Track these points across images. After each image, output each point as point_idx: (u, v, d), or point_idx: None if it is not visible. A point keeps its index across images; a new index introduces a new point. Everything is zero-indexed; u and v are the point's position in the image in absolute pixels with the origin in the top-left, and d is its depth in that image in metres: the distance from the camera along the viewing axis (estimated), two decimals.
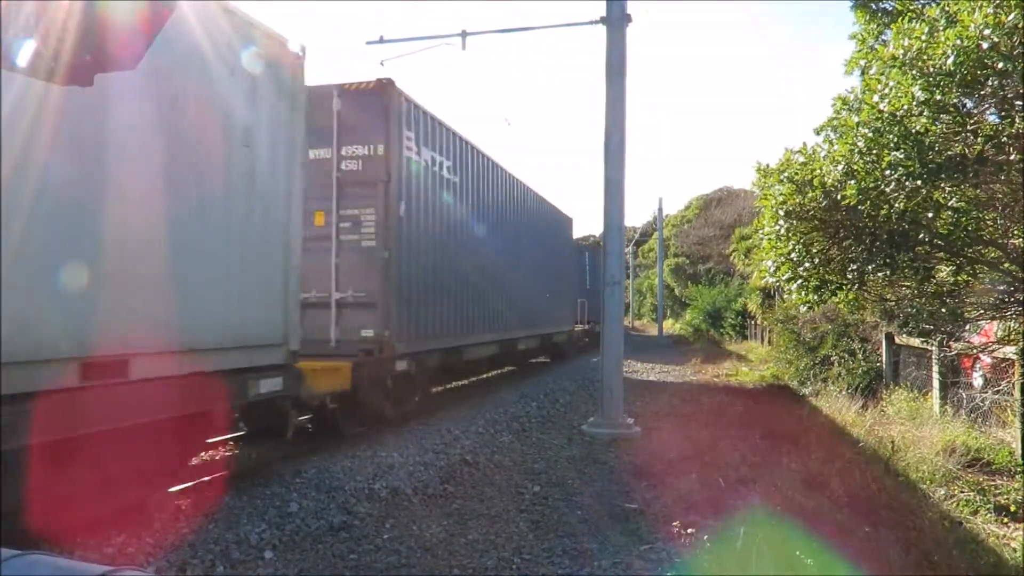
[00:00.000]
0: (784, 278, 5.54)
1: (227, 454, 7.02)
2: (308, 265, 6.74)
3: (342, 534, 4.79)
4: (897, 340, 10.68)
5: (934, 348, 8.63)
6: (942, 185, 4.40)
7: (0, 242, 3.43)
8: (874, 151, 4.43)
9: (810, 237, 5.30)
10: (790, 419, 8.90)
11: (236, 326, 5.13)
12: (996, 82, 3.98)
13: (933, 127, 4.19)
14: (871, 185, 4.54)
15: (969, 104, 4.33)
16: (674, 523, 4.91)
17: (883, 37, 6.79)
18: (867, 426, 8.25)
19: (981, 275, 5.42)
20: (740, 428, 8.42)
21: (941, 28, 4.04)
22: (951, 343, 8.05)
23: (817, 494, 5.38)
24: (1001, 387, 7.72)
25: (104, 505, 4.56)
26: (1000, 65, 3.77)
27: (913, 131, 4.19)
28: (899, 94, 4.21)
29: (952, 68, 3.85)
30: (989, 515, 5.27)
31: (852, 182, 4.66)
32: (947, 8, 4.17)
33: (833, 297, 5.65)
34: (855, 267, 5.15)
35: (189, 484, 5.59)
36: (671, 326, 40.51)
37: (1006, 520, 5.14)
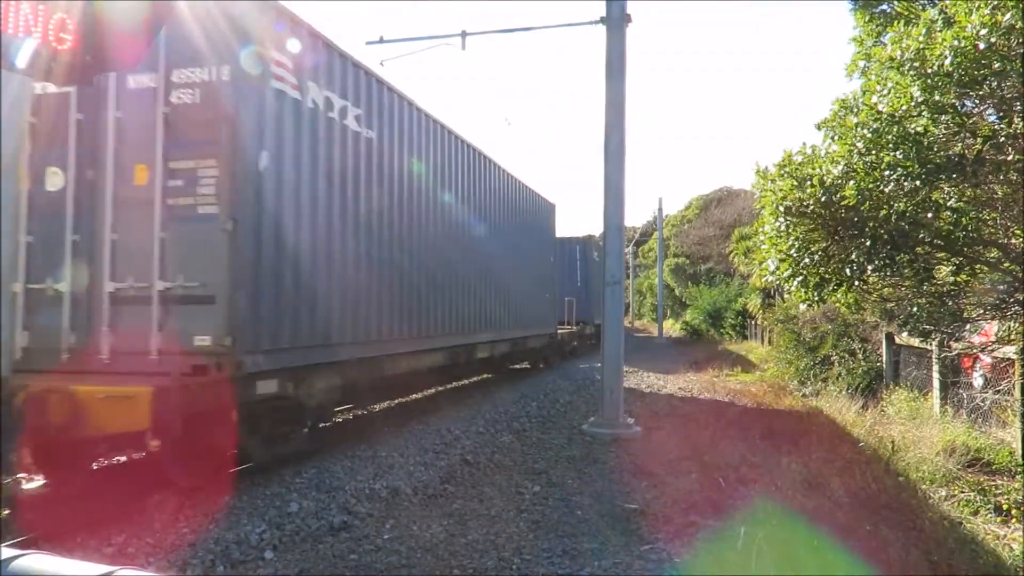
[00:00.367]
0: (784, 275, 5.54)
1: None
2: (125, 241, 5.47)
3: (342, 534, 4.79)
4: (897, 340, 10.68)
5: (934, 348, 8.63)
6: (941, 185, 4.41)
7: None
8: (873, 151, 4.43)
9: (810, 234, 5.30)
10: (791, 419, 8.90)
11: None
12: (994, 82, 3.99)
13: (932, 127, 4.19)
14: (870, 185, 4.54)
15: (968, 104, 4.33)
16: (674, 523, 4.91)
17: (882, 39, 6.78)
18: (867, 426, 8.25)
19: (981, 275, 5.42)
20: (740, 428, 8.42)
21: (939, 29, 4.04)
22: (951, 343, 8.04)
23: (817, 494, 5.38)
24: (1001, 387, 7.72)
25: None
26: (997, 65, 3.78)
27: (912, 131, 4.20)
28: (898, 95, 4.21)
29: (950, 69, 3.86)
30: (989, 515, 5.27)
31: (851, 182, 4.67)
32: (945, 9, 4.18)
33: (833, 295, 5.65)
34: (855, 265, 5.15)
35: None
36: (671, 326, 40.50)
37: (1006, 520, 5.14)
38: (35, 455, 5.38)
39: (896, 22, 4.55)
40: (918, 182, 4.23)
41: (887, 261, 4.97)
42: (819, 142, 5.45)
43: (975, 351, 7.69)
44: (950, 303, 5.68)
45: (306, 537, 4.74)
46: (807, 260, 5.36)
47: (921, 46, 4.03)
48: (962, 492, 5.81)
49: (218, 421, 5.36)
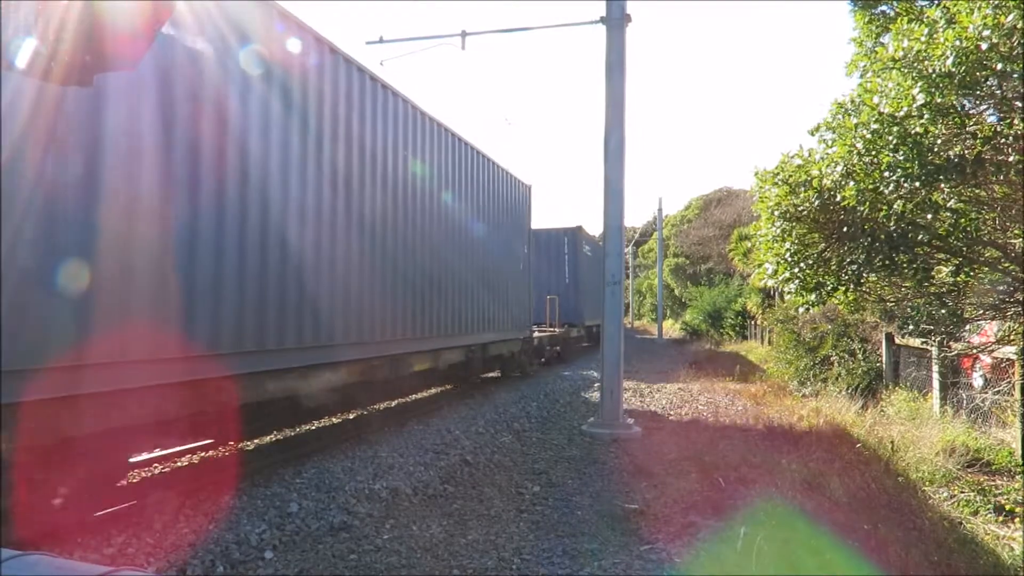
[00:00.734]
0: (782, 278, 5.55)
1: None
2: None
3: (342, 534, 4.79)
4: (897, 340, 10.68)
5: (934, 348, 8.63)
6: (941, 186, 4.40)
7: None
8: (873, 152, 4.43)
9: (807, 237, 5.31)
10: (791, 419, 8.89)
11: None
12: (995, 83, 3.99)
13: (932, 128, 4.19)
14: (870, 186, 4.54)
15: (968, 105, 4.33)
16: (674, 523, 4.91)
17: (882, 40, 6.78)
18: (867, 426, 8.25)
19: (980, 275, 5.42)
20: (740, 428, 8.42)
21: (940, 29, 4.04)
22: (951, 343, 8.05)
23: (817, 494, 5.38)
24: (1001, 387, 7.72)
25: None
26: (999, 66, 3.77)
27: (912, 132, 4.20)
28: (898, 95, 4.21)
29: (951, 69, 3.85)
30: (989, 515, 5.27)
31: (851, 183, 4.67)
32: (947, 9, 4.17)
33: (831, 298, 5.65)
34: (853, 268, 5.15)
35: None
36: (671, 326, 40.51)
37: (1006, 520, 5.14)
38: None
39: (899, 20, 4.55)
40: (918, 183, 4.23)
41: (886, 262, 4.97)
42: (814, 146, 5.45)
43: (975, 351, 7.69)
44: (949, 303, 5.69)
45: (306, 537, 4.74)
46: (803, 265, 5.37)
47: (923, 46, 4.03)
48: (962, 492, 5.81)
49: None
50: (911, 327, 6.70)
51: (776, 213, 5.31)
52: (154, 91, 4.78)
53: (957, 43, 3.81)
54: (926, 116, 4.11)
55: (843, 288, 5.47)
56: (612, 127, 9.10)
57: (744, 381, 13.40)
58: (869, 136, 4.44)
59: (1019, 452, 6.64)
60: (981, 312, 5.86)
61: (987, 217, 5.02)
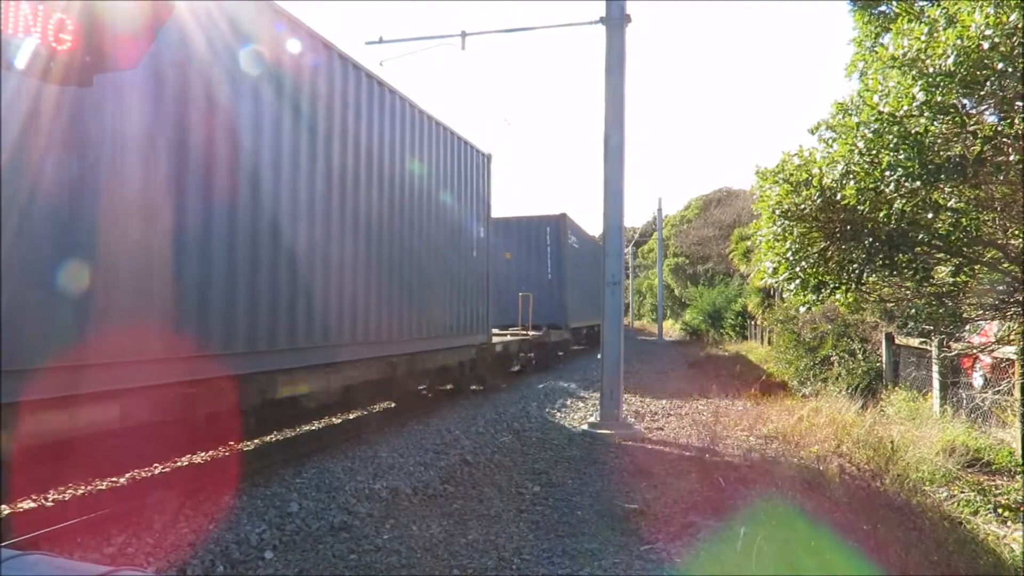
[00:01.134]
0: (782, 278, 5.55)
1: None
2: None
3: (342, 534, 4.79)
4: (897, 340, 10.68)
5: (934, 348, 8.63)
6: (941, 186, 4.40)
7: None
8: (873, 152, 4.43)
9: (807, 236, 5.31)
10: (791, 419, 8.89)
11: None
12: (996, 82, 3.99)
13: (933, 128, 4.19)
14: (870, 186, 4.54)
15: (968, 104, 4.33)
16: (674, 523, 4.91)
17: (882, 40, 6.79)
18: (867, 426, 8.24)
19: (980, 275, 5.42)
20: (741, 429, 8.42)
21: (941, 28, 4.04)
22: (950, 343, 8.05)
23: (817, 494, 5.38)
24: (1001, 387, 7.72)
25: None
26: (1000, 65, 3.77)
27: (913, 132, 4.20)
28: (899, 95, 4.21)
29: (952, 68, 3.85)
30: (989, 515, 5.27)
31: (851, 183, 4.67)
32: (947, 8, 4.17)
33: (831, 297, 5.65)
34: (854, 267, 5.15)
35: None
36: (671, 326, 40.50)
37: (1006, 520, 5.14)
38: None
39: (899, 19, 4.54)
40: (918, 183, 4.23)
41: (886, 262, 4.97)
42: (815, 145, 5.45)
43: (975, 351, 7.69)
44: (949, 303, 5.68)
45: (306, 537, 4.74)
46: (804, 264, 5.37)
47: (923, 46, 4.03)
48: (962, 492, 5.81)
49: None
50: (911, 327, 6.70)
51: (777, 212, 5.31)
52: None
53: (958, 42, 3.81)
54: (926, 115, 4.11)
55: (843, 288, 5.47)
56: (612, 127, 9.10)
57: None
58: (870, 135, 4.44)
59: (1019, 452, 6.64)
60: (981, 312, 5.86)
61: (987, 217, 5.01)
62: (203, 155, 5.26)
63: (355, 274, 7.36)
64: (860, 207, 4.73)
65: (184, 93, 5.10)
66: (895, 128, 4.24)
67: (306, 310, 6.41)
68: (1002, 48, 3.72)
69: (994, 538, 4.77)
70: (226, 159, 5.51)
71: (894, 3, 7.31)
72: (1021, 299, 5.30)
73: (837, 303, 5.97)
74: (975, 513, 5.32)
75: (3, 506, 4.86)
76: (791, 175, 5.23)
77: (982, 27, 3.75)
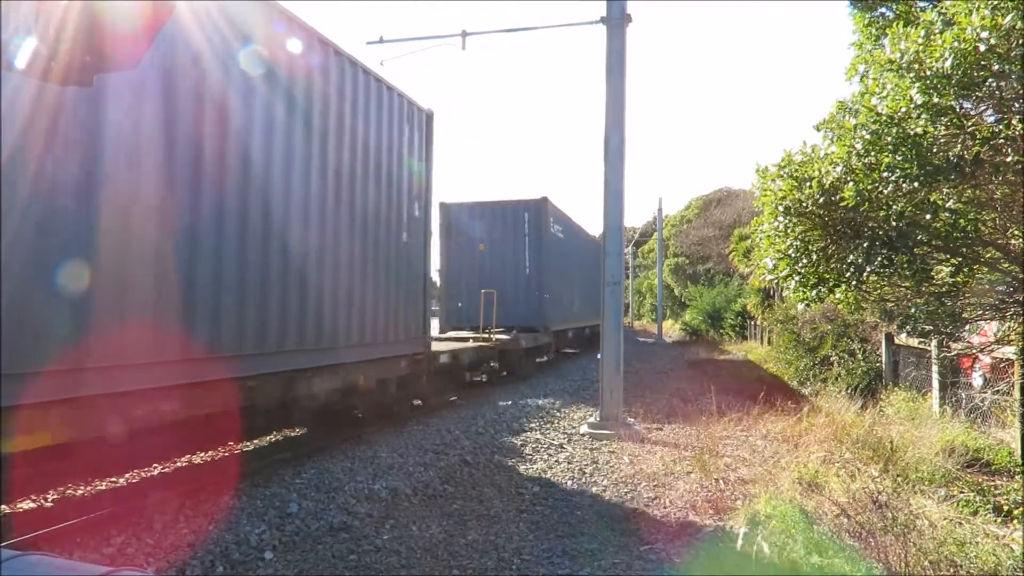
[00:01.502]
0: (782, 274, 5.55)
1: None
2: None
3: (342, 535, 4.79)
4: (896, 340, 10.68)
5: (933, 348, 8.64)
6: (940, 187, 4.41)
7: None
8: (872, 153, 4.43)
9: (808, 234, 5.30)
10: (791, 419, 8.90)
11: None
12: (993, 84, 3.99)
13: (931, 129, 4.19)
14: (869, 187, 4.54)
15: (966, 106, 4.33)
16: (674, 523, 4.91)
17: (882, 42, 6.80)
18: (866, 426, 8.25)
19: (980, 276, 5.42)
20: (741, 430, 8.42)
21: (938, 31, 4.04)
22: (950, 343, 8.05)
23: (816, 494, 5.39)
24: (1000, 387, 7.72)
25: None
26: (997, 67, 3.78)
27: (911, 133, 4.20)
28: (897, 97, 4.21)
29: (949, 70, 3.86)
30: (989, 515, 5.27)
31: (850, 184, 4.67)
32: (944, 11, 4.18)
33: (831, 295, 5.65)
34: (853, 266, 5.15)
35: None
36: (671, 326, 40.50)
37: (1006, 520, 5.14)
38: None
39: (896, 23, 4.55)
40: (917, 183, 4.23)
41: (885, 262, 4.97)
42: (819, 142, 5.45)
43: (974, 351, 7.70)
44: (949, 303, 5.68)
45: (306, 537, 4.74)
46: (804, 261, 5.37)
47: (920, 48, 4.03)
48: (961, 492, 5.81)
49: None
50: (911, 327, 6.70)
51: (780, 208, 5.30)
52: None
53: (955, 44, 3.82)
54: (924, 117, 4.11)
55: (843, 286, 5.47)
56: (612, 127, 9.11)
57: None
58: (868, 137, 4.44)
59: (1019, 452, 6.64)
60: (981, 312, 5.85)
61: (986, 217, 5.02)
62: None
63: (271, 277, 5.96)
64: (860, 208, 4.73)
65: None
66: (893, 130, 4.25)
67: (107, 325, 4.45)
68: (999, 50, 3.72)
69: (994, 538, 4.77)
70: None
71: (894, 4, 7.32)
72: (1021, 299, 5.30)
73: (836, 302, 5.96)
74: (975, 513, 5.33)
75: (3, 506, 4.87)
76: (796, 170, 5.22)
77: (978, 29, 3.75)
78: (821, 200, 4.96)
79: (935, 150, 4.21)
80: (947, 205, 4.68)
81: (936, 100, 3.98)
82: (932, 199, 4.58)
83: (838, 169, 4.79)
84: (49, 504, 5.32)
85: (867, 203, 4.66)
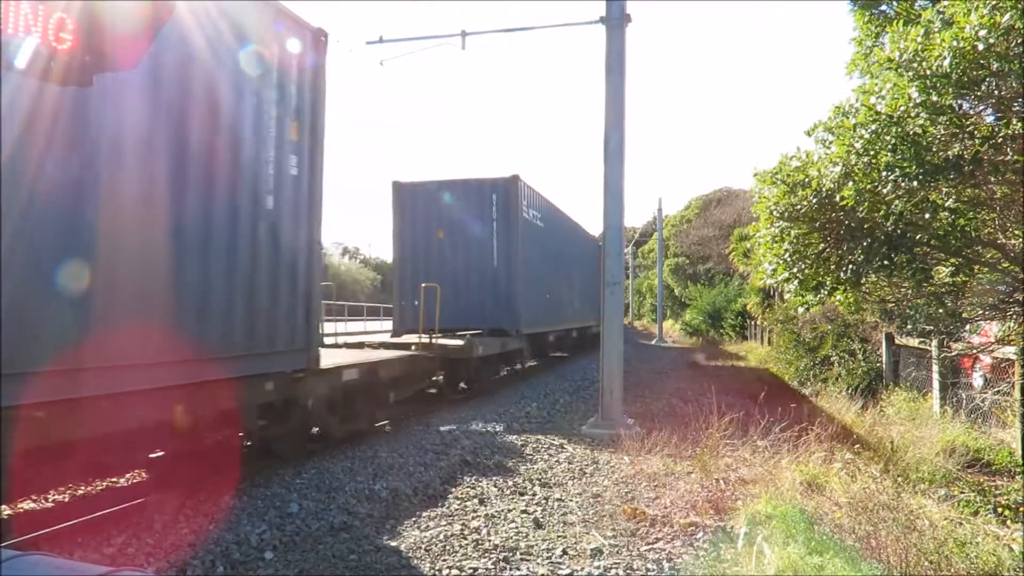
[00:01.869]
0: (781, 278, 5.56)
1: None
2: None
3: (342, 535, 4.79)
4: (897, 340, 10.68)
5: (933, 348, 8.64)
6: (939, 186, 4.41)
7: None
8: (872, 153, 4.44)
9: (805, 238, 5.31)
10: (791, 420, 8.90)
11: None
12: (992, 83, 4.00)
13: (930, 128, 4.20)
14: (868, 187, 4.54)
15: (966, 105, 4.33)
16: (674, 523, 4.91)
17: (881, 40, 6.81)
18: (867, 426, 8.25)
19: (980, 275, 5.42)
20: (741, 430, 8.41)
21: (937, 30, 4.05)
22: (950, 343, 8.05)
23: (816, 495, 5.38)
24: (1001, 387, 7.72)
25: None
26: (996, 66, 3.78)
27: (910, 132, 4.20)
28: (896, 96, 4.22)
29: (948, 69, 3.86)
30: (989, 515, 5.27)
31: (850, 184, 4.67)
32: (943, 10, 4.18)
33: (831, 297, 5.66)
34: (852, 268, 5.15)
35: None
36: (671, 326, 40.50)
37: (1006, 521, 5.14)
38: None
39: (895, 22, 4.56)
40: (916, 183, 4.23)
41: (885, 262, 4.97)
42: (812, 147, 5.45)
43: (975, 351, 7.70)
44: (948, 304, 5.69)
45: (306, 537, 4.74)
46: (801, 265, 5.38)
47: (919, 47, 4.03)
48: (962, 492, 5.80)
49: None
50: (911, 327, 6.71)
51: (775, 213, 5.32)
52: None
53: (954, 43, 3.82)
54: (923, 115, 4.11)
55: (842, 288, 5.48)
56: (612, 127, 9.11)
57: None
58: (867, 136, 4.45)
59: (1019, 452, 6.64)
60: (980, 312, 5.86)
61: (986, 217, 5.02)
62: None
63: None
64: (859, 208, 4.74)
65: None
66: (893, 129, 4.25)
67: None
68: (998, 49, 3.72)
69: (994, 538, 4.77)
70: None
71: (894, 3, 7.33)
72: (1021, 299, 5.30)
73: (837, 303, 5.97)
74: (975, 513, 5.32)
75: (3, 506, 4.86)
76: (788, 176, 5.24)
77: (977, 28, 3.76)
78: (815, 204, 4.98)
79: (934, 149, 4.22)
80: (947, 205, 4.68)
81: (935, 99, 3.98)
82: (931, 199, 4.59)
83: (837, 169, 4.79)
84: (49, 504, 5.32)
85: (867, 203, 4.67)
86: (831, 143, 5.09)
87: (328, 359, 7.21)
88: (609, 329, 9.21)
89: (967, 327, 6.92)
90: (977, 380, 8.95)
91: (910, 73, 4.06)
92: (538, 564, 4.26)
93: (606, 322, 9.25)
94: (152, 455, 5.48)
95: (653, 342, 31.99)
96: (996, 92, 4.04)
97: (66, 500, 5.42)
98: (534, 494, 5.85)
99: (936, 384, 8.76)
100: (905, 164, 4.18)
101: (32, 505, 5.24)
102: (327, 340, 10.41)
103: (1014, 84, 3.92)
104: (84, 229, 4.16)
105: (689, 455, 6.94)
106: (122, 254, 4.42)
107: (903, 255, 4.83)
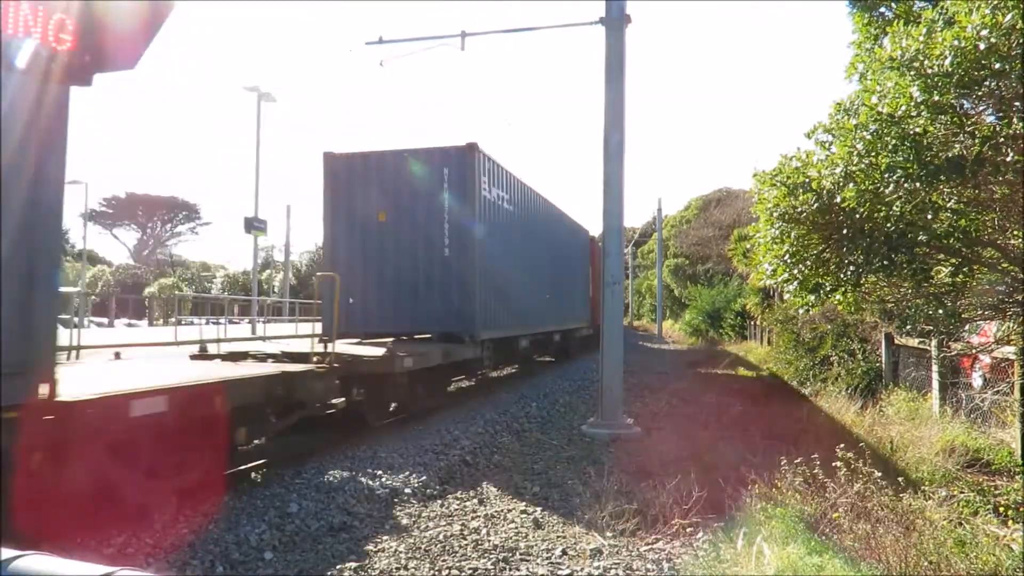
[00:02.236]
0: (780, 279, 5.56)
1: None
2: None
3: (342, 535, 4.79)
4: (896, 340, 10.68)
5: (933, 348, 8.64)
6: (940, 186, 4.41)
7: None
8: (873, 153, 4.43)
9: (805, 239, 5.31)
10: (790, 420, 8.90)
11: None
12: (993, 83, 3.99)
13: (931, 128, 4.20)
14: (869, 187, 4.54)
15: (967, 105, 4.34)
16: (674, 523, 4.91)
17: (881, 41, 6.82)
18: (866, 426, 8.25)
19: (979, 276, 5.42)
20: (740, 429, 8.42)
21: (939, 29, 4.04)
22: (950, 343, 8.05)
23: (817, 495, 5.38)
24: (1001, 387, 7.72)
25: None
26: (997, 66, 3.78)
27: (911, 132, 4.20)
28: (897, 95, 4.22)
29: (950, 69, 3.86)
30: (989, 515, 5.27)
31: (851, 184, 4.67)
32: (944, 9, 4.18)
33: (830, 298, 5.66)
34: (852, 269, 5.15)
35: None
36: (670, 327, 40.52)
37: (1005, 521, 5.14)
38: None
39: (896, 22, 4.56)
40: (917, 183, 4.23)
41: (884, 263, 4.97)
42: (811, 148, 5.45)
43: (974, 351, 7.70)
44: (948, 304, 5.68)
45: (306, 538, 4.74)
46: (801, 266, 5.38)
47: (921, 46, 4.03)
48: (961, 492, 5.80)
49: None
50: (910, 327, 6.71)
51: (775, 215, 5.32)
52: None
53: (955, 43, 3.82)
54: (924, 115, 4.11)
55: (842, 289, 5.47)
56: (612, 127, 9.11)
57: None
58: (869, 137, 4.44)
59: (1019, 452, 6.64)
60: (980, 312, 5.86)
61: (986, 218, 5.02)
62: None
63: None
64: (859, 209, 4.73)
65: None
66: (894, 129, 4.25)
67: None
68: (999, 48, 3.72)
69: (994, 539, 4.77)
70: None
71: (893, 4, 7.33)
72: (1021, 299, 5.30)
73: (836, 304, 5.97)
74: (975, 513, 5.32)
75: (3, 506, 4.86)
76: (788, 177, 5.23)
77: (979, 28, 3.76)
78: (815, 206, 4.98)
79: (935, 150, 4.22)
80: (947, 205, 4.68)
81: (936, 98, 3.98)
82: (932, 199, 4.59)
83: (838, 170, 4.79)
84: (49, 504, 5.31)
85: (867, 204, 4.67)
86: (831, 144, 5.09)
87: (102, 383, 4.74)
88: (609, 329, 9.22)
89: (967, 327, 6.92)
90: (976, 380, 8.95)
91: (912, 72, 4.06)
92: (538, 564, 4.26)
93: (606, 322, 9.26)
94: None
95: (653, 342, 31.99)
96: (997, 92, 4.05)
97: (65, 501, 5.41)
98: (534, 494, 5.84)
99: (935, 384, 8.76)
100: (907, 165, 4.18)
101: (31, 505, 5.23)
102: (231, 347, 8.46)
103: (1015, 84, 3.92)
104: None
105: (689, 455, 6.94)
106: None
107: (903, 255, 4.83)
